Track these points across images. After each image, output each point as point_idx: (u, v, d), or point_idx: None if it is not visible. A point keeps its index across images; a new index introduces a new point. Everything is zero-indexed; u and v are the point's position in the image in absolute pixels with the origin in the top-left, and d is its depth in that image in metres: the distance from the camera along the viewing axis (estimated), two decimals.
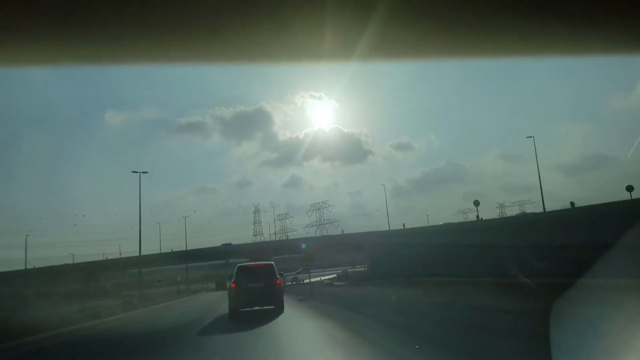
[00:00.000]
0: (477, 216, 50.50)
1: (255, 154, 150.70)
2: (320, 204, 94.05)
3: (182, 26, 2.55)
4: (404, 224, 64.38)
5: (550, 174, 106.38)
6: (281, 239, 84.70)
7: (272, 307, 14.78)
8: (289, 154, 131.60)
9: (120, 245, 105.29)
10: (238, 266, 15.74)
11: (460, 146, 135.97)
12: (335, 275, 57.35)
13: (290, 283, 49.40)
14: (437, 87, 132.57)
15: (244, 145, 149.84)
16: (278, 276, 15.27)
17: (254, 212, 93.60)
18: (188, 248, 68.39)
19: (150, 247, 72.76)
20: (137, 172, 41.18)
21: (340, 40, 2.28)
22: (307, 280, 55.27)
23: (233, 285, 14.62)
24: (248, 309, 14.65)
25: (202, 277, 69.57)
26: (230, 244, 70.57)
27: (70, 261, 70.70)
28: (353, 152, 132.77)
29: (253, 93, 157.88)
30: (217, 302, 23.89)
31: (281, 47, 2.40)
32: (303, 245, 37.63)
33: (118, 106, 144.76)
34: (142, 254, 43.78)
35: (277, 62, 2.45)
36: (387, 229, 62.10)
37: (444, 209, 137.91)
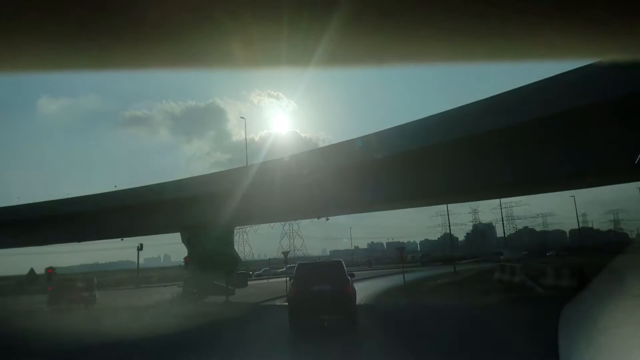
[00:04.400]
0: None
1: (207, 154, 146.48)
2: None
3: (134, 32, 2.47)
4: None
5: None
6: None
7: (341, 317, 12.16)
8: (243, 155, 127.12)
9: None
10: (298, 264, 13.32)
11: None
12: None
13: None
14: (399, 93, 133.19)
15: (194, 143, 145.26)
16: (348, 277, 12.42)
17: None
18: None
19: None
20: None
21: (298, 46, 2.25)
22: None
23: (293, 288, 12.33)
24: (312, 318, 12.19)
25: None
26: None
27: None
28: None
29: (205, 87, 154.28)
30: None
31: (238, 52, 2.36)
32: (359, 143, 21.25)
33: (54, 92, 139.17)
34: None
35: (234, 67, 2.42)
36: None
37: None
